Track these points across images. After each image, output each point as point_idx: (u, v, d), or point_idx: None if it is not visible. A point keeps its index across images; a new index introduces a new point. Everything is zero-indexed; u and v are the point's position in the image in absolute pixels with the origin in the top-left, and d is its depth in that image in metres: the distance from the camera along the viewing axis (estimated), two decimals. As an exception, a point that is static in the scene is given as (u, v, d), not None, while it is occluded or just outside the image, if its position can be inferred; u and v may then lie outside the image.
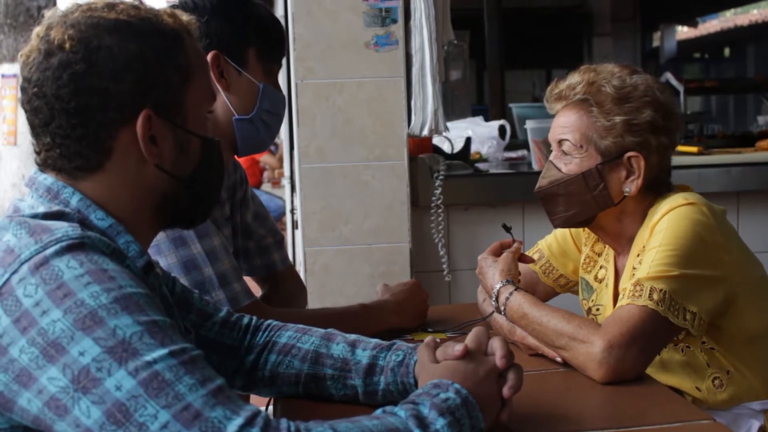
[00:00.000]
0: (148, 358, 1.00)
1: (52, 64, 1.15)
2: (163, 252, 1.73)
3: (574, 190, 1.79)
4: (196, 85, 1.24)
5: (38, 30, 1.18)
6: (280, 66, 1.98)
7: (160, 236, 1.71)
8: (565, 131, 1.80)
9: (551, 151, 1.86)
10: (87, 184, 1.19)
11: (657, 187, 1.80)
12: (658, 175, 1.79)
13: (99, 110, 1.15)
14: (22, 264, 1.04)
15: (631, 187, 1.77)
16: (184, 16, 1.27)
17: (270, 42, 1.92)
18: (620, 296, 1.66)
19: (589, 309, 1.95)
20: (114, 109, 1.16)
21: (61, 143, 1.17)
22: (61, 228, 1.08)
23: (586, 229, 1.99)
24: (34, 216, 1.12)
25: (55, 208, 1.15)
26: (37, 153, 1.21)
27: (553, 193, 1.82)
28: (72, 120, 1.16)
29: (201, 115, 1.27)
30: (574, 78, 1.81)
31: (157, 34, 1.20)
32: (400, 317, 1.94)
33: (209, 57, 1.81)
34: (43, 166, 1.21)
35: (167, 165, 1.22)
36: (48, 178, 1.19)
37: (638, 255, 1.72)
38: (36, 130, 1.19)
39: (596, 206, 1.79)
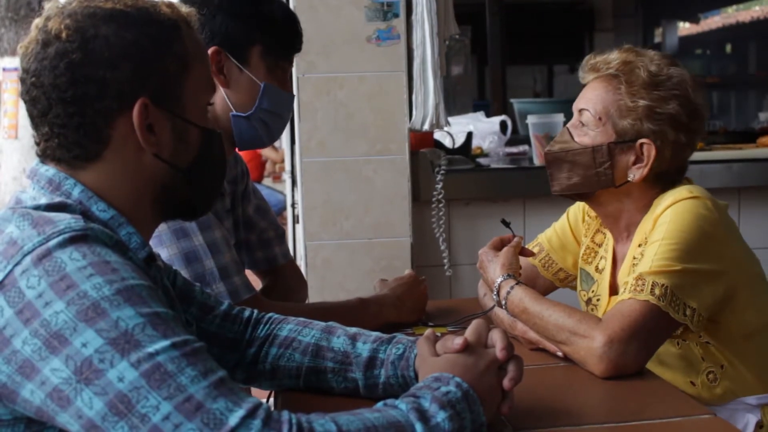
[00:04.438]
0: (151, 349, 1.00)
1: (49, 53, 1.15)
2: (164, 243, 1.73)
3: (580, 161, 1.78)
4: (194, 76, 1.24)
5: (37, 21, 1.19)
6: (290, 63, 1.95)
7: (162, 227, 1.71)
8: (588, 102, 1.79)
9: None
10: (87, 174, 1.19)
11: (665, 182, 1.79)
12: (668, 170, 1.78)
13: (96, 99, 1.16)
14: (25, 255, 1.04)
15: (636, 174, 1.76)
16: (183, 8, 1.27)
17: (277, 40, 1.89)
18: (621, 290, 1.66)
19: (589, 299, 1.95)
20: (111, 98, 1.16)
21: (59, 133, 1.17)
22: (64, 220, 1.08)
23: (586, 220, 1.99)
24: (37, 207, 1.12)
25: (57, 199, 1.15)
26: (37, 144, 1.21)
27: (560, 159, 1.81)
28: (69, 109, 1.16)
29: (200, 105, 1.27)
30: (613, 54, 1.80)
31: (154, 24, 1.20)
32: (399, 311, 1.94)
33: (209, 52, 1.80)
34: (43, 156, 1.21)
35: (165, 154, 1.22)
36: (50, 170, 1.19)
37: (640, 245, 1.72)
38: (35, 120, 1.20)
39: (597, 183, 1.78)
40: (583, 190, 1.81)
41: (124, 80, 1.16)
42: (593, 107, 1.77)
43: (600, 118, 1.76)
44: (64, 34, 1.15)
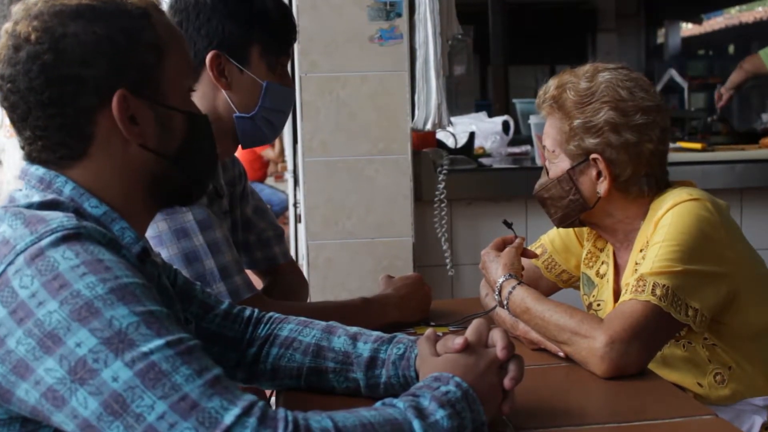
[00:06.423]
0: (145, 348, 0.99)
1: (21, 57, 1.14)
2: (165, 243, 1.73)
3: (554, 195, 1.83)
4: (171, 61, 1.22)
5: (7, 26, 1.17)
6: (288, 56, 1.95)
7: (163, 227, 1.71)
8: (545, 138, 1.84)
9: None
10: (76, 172, 1.18)
11: (649, 184, 1.77)
12: (640, 171, 1.76)
13: (74, 97, 1.15)
14: (17, 255, 1.03)
15: (602, 187, 1.77)
16: None
17: (275, 37, 1.88)
18: (623, 291, 1.66)
19: (590, 304, 1.94)
20: (89, 95, 1.15)
21: (42, 135, 1.17)
22: (57, 218, 1.07)
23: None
24: (29, 206, 1.12)
25: (50, 196, 1.15)
26: (22, 148, 1.21)
27: (541, 197, 1.87)
28: (48, 110, 1.15)
29: (181, 90, 1.26)
30: (549, 83, 1.83)
31: (122, 15, 1.18)
32: (402, 311, 1.93)
33: (208, 57, 1.80)
34: (30, 159, 1.20)
35: (151, 143, 1.21)
36: (39, 168, 1.18)
37: (641, 250, 1.71)
38: (17, 125, 1.19)
39: (574, 209, 1.82)
40: (570, 219, 1.85)
41: (99, 75, 1.15)
42: (547, 141, 1.83)
43: (554, 150, 1.81)
44: (33, 37, 1.14)
